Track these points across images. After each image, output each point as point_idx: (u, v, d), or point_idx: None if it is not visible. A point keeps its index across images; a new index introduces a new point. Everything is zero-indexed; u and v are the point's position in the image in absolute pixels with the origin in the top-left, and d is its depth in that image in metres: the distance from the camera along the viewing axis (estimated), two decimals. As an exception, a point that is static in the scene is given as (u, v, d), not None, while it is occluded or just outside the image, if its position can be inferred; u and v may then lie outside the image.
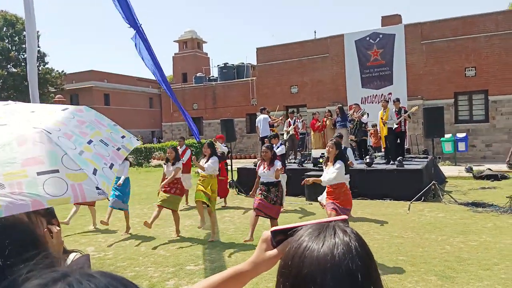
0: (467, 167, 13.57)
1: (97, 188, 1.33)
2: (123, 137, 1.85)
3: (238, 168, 12.18)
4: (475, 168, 13.51)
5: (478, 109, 17.62)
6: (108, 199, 7.05)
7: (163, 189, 6.94)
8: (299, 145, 13.86)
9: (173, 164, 7.06)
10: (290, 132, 12.59)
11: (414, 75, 18.07)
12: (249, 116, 26.37)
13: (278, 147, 8.83)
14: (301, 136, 14.04)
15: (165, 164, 7.21)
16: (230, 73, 28.50)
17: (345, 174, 7.82)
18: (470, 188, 10.57)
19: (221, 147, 10.19)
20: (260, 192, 6.05)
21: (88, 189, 1.30)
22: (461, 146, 16.25)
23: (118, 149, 1.72)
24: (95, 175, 1.38)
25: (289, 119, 12.95)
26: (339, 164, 5.53)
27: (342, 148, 7.59)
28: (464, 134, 16.53)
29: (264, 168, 6.08)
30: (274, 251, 0.81)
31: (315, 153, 11.36)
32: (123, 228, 7.66)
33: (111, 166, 1.54)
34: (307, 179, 5.63)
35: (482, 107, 17.53)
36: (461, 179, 12.33)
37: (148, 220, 7.10)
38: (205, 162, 6.80)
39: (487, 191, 10.14)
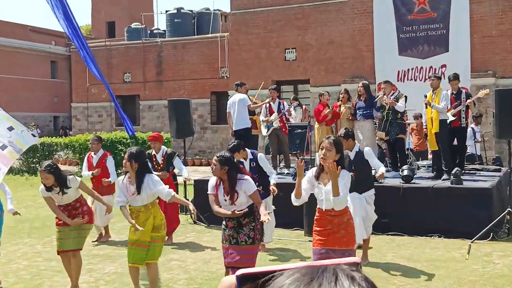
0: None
1: None
2: (10, 128, 1.80)
3: (195, 180, 12.12)
4: None
5: None
6: None
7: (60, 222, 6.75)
8: (296, 145, 13.89)
9: (62, 192, 6.59)
10: (274, 125, 12.46)
11: (483, 38, 18.37)
12: (216, 96, 26.29)
13: (251, 160, 8.54)
14: (299, 131, 14.06)
15: (48, 191, 6.65)
16: (186, 25, 28.35)
17: (372, 186, 7.93)
18: None
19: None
20: (228, 234, 5.94)
21: None
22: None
23: (3, 147, 1.68)
24: None
25: (268, 100, 12.58)
26: (345, 176, 5.64)
27: (358, 149, 7.69)
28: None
29: (224, 195, 5.90)
30: None
31: (322, 158, 11.45)
32: (4, 275, 7.49)
33: None
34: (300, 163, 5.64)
35: None
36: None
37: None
38: (134, 188, 6.39)
39: None
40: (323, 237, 5.66)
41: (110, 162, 9.76)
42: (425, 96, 10.83)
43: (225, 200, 5.89)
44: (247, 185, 5.87)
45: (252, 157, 8.54)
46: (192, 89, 26.08)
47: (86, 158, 10.04)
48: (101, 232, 9.91)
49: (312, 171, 5.88)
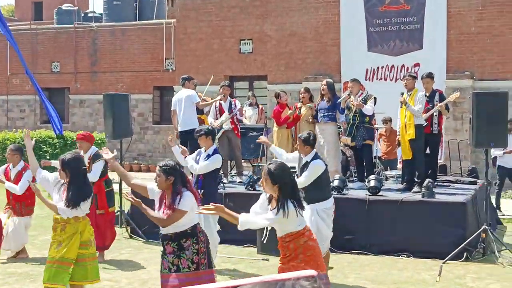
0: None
1: None
2: None
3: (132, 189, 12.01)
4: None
5: None
6: None
7: None
8: (250, 150, 13.91)
9: None
10: (224, 126, 12.41)
11: (461, 35, 18.69)
12: (159, 92, 26.08)
13: (208, 156, 8.51)
14: (254, 133, 14.09)
15: None
16: (127, 9, 28.07)
17: (326, 198, 7.90)
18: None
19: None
20: (167, 261, 5.83)
21: None
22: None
23: None
24: None
25: (219, 98, 12.45)
26: (285, 210, 5.41)
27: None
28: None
29: (164, 210, 5.80)
30: None
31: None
32: None
33: None
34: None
35: None
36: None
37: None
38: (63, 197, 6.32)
39: None
40: (285, 265, 5.61)
41: (26, 176, 9.13)
42: (402, 94, 10.92)
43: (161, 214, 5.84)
44: (182, 200, 5.74)
45: (211, 153, 8.45)
46: (132, 83, 25.77)
47: (2, 171, 9.61)
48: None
49: (265, 195, 5.75)
